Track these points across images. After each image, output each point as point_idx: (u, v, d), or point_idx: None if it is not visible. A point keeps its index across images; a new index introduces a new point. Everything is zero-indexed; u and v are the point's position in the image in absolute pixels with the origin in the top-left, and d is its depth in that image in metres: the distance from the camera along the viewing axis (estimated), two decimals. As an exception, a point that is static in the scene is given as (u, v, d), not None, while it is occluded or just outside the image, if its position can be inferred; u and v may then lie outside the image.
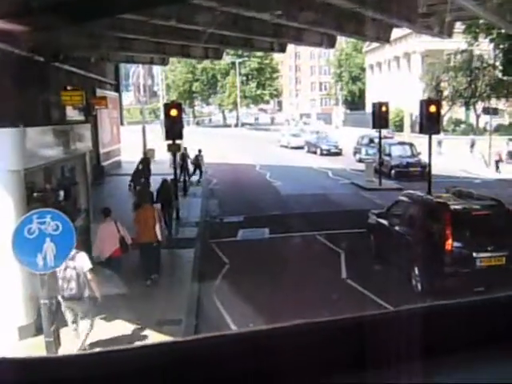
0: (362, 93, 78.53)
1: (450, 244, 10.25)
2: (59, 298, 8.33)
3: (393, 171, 27.18)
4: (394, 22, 19.38)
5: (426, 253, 10.73)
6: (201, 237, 15.92)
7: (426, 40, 54.86)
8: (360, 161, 34.50)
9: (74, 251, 7.71)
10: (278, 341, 1.11)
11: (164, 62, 31.36)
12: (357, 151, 35.76)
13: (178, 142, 17.77)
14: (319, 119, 76.13)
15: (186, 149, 27.09)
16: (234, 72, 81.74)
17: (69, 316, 8.53)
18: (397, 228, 12.24)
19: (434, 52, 48.97)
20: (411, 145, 30.21)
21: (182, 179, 23.18)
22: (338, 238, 14.86)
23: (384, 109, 24.02)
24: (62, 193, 12.66)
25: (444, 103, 46.91)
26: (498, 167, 29.53)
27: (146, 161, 27.09)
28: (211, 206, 21.02)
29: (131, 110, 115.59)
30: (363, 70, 76.83)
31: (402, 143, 30.86)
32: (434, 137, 40.00)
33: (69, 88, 21.96)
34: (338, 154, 38.63)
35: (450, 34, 21.72)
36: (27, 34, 14.01)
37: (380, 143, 25.31)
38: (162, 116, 61.97)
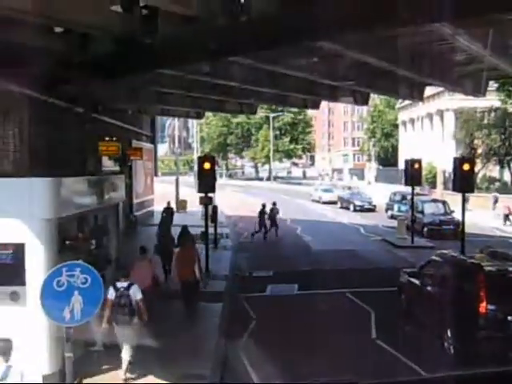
0: (394, 149, 78.41)
1: (484, 307, 9.96)
2: (113, 323, 9.58)
3: (425, 229, 26.81)
4: (427, 80, 19.52)
5: (459, 315, 10.41)
6: (229, 291, 15.80)
7: (459, 98, 55.26)
8: (392, 217, 34.18)
9: (127, 282, 9.75)
10: None
11: (199, 116, 32.01)
12: (389, 208, 35.49)
13: (210, 194, 17.90)
14: (351, 174, 76.06)
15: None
16: (268, 126, 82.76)
17: (120, 339, 9.67)
18: (429, 288, 11.98)
19: (467, 110, 49.00)
20: (444, 202, 29.86)
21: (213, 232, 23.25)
22: (368, 296, 14.62)
23: (417, 166, 23.90)
24: (93, 241, 12.80)
25: (478, 161, 46.72)
26: (506, 220, 31.22)
27: (168, 210, 28.02)
28: (240, 260, 20.94)
29: (165, 161, 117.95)
30: (396, 126, 77.06)
31: (435, 200, 30.55)
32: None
33: (106, 139, 22.48)
34: (372, 210, 38.34)
35: (483, 93, 21.70)
36: (69, 86, 14.53)
37: (412, 200, 25.10)
38: (195, 168, 63.02)
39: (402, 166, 67.53)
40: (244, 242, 25.81)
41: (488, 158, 44.43)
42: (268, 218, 26.95)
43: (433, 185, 49.32)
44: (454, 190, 19.15)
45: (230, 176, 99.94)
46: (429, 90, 58.25)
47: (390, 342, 11.25)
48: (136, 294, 9.69)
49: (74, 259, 7.92)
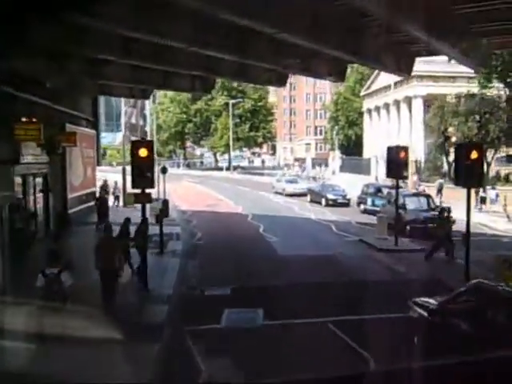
0: (358, 138, 75.69)
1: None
2: None
3: (408, 227, 23.15)
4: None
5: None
6: (171, 321, 11.70)
7: (427, 84, 52.44)
8: (365, 212, 30.61)
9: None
10: None
11: (145, 95, 27.48)
12: (361, 201, 31.81)
13: (148, 190, 13.70)
14: (314, 164, 72.32)
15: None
16: (228, 114, 78.39)
17: None
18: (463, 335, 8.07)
19: (436, 96, 46.18)
20: (428, 196, 26.34)
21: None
22: (359, 330, 10.69)
23: (402, 154, 20.12)
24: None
25: (451, 150, 43.68)
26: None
27: (100, 200, 26.59)
28: (191, 270, 16.82)
29: (121, 151, 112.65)
30: (361, 114, 73.95)
31: (417, 194, 26.90)
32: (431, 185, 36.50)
33: (23, 119, 18.02)
34: (346, 204, 34.47)
35: (409, 72, 18.92)
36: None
37: (397, 195, 21.30)
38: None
39: (366, 155, 65.11)
40: (198, 244, 21.67)
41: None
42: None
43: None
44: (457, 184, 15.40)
45: (188, 166, 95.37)
46: (395, 77, 55.73)
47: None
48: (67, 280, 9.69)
49: None
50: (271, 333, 11.10)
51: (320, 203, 35.06)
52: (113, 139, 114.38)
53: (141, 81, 20.60)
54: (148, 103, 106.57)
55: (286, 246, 20.60)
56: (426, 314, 9.04)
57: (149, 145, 13.44)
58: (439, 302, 9.02)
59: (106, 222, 18.44)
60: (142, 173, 13.03)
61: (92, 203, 28.39)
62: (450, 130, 41.76)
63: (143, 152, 13.03)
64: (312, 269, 16.95)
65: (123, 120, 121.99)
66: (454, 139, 41.81)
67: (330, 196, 34.90)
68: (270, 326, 11.52)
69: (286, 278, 15.70)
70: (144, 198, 13.36)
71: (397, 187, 21.06)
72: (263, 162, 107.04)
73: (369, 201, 30.63)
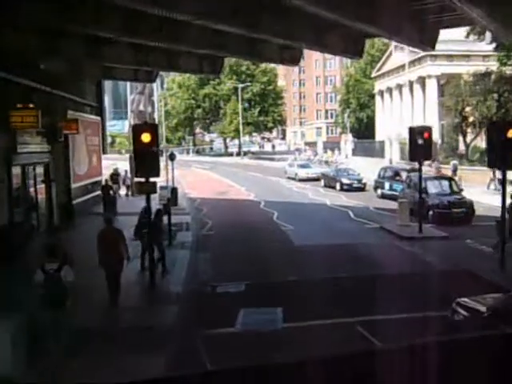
0: (370, 120, 74.12)
1: None
2: None
3: (430, 213, 21.82)
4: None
5: None
6: (182, 324, 10.53)
7: (442, 63, 50.75)
8: (383, 197, 29.29)
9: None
10: None
11: (151, 78, 26.18)
12: (378, 185, 30.42)
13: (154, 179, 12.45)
14: (326, 148, 70.73)
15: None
16: (237, 98, 76.89)
17: None
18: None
19: (452, 75, 44.64)
20: (451, 179, 24.95)
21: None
22: (391, 332, 9.44)
23: (426, 135, 18.71)
24: None
25: (469, 130, 42.14)
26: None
27: (106, 188, 26.12)
28: (202, 265, 15.61)
29: (130, 139, 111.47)
30: (372, 96, 72.22)
31: (439, 178, 25.46)
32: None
33: (18, 106, 16.83)
34: (361, 189, 33.14)
35: (432, 45, 17.46)
36: None
37: (420, 179, 19.91)
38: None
39: (379, 138, 63.60)
40: (209, 235, 20.48)
41: (481, 127, 39.56)
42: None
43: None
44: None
45: (198, 152, 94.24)
46: (408, 57, 54.08)
47: None
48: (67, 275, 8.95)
49: None
50: (293, 338, 9.86)
51: (334, 188, 33.74)
52: (122, 127, 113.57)
53: (145, 62, 19.33)
54: (156, 89, 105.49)
55: (302, 236, 19.36)
56: (474, 318, 7.71)
57: (152, 129, 12.15)
58: (490, 306, 7.72)
59: (105, 215, 17.34)
60: (145, 160, 11.80)
61: (99, 192, 27.28)
62: (467, 109, 40.22)
63: (146, 137, 11.77)
64: (333, 261, 15.67)
65: (129, 107, 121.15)
66: (471, 119, 40.32)
67: (345, 180, 33.55)
68: (290, 329, 10.29)
69: (306, 271, 14.45)
70: (148, 188, 12.11)
71: (419, 170, 19.67)
72: (273, 146, 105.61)
73: (386, 185, 29.29)
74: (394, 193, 27.70)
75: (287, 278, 13.79)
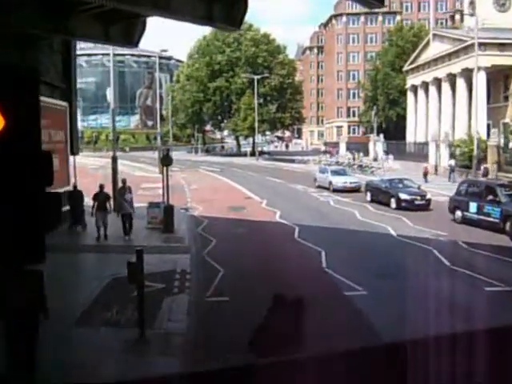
0: (399, 119, 65.54)
1: None
2: None
3: None
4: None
5: None
6: None
7: (492, 53, 42.27)
8: (464, 222, 20.65)
9: None
10: None
11: (130, 39, 17.06)
12: (458, 206, 21.58)
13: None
14: (351, 150, 61.76)
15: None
16: (252, 92, 68.08)
17: None
18: None
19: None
20: None
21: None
22: None
23: None
24: None
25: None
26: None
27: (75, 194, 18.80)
28: None
29: (136, 135, 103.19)
30: (403, 92, 63.50)
31: None
32: None
33: None
34: (426, 207, 24.36)
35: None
36: None
37: None
38: (158, 141, 48.61)
39: (410, 139, 54.99)
40: (220, 308, 11.54)
41: None
42: None
43: (478, 164, 35.47)
44: None
45: (207, 151, 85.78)
46: (448, 47, 45.52)
47: None
48: None
49: None
50: None
51: (387, 205, 24.99)
52: (128, 122, 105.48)
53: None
54: (164, 82, 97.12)
55: (389, 313, 10.56)
56: None
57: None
58: None
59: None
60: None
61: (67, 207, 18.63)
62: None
63: None
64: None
65: (137, 102, 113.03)
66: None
67: (404, 196, 24.67)
68: None
69: None
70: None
71: None
72: (287, 146, 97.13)
73: (472, 206, 20.52)
74: (487, 218, 19.26)
75: None
